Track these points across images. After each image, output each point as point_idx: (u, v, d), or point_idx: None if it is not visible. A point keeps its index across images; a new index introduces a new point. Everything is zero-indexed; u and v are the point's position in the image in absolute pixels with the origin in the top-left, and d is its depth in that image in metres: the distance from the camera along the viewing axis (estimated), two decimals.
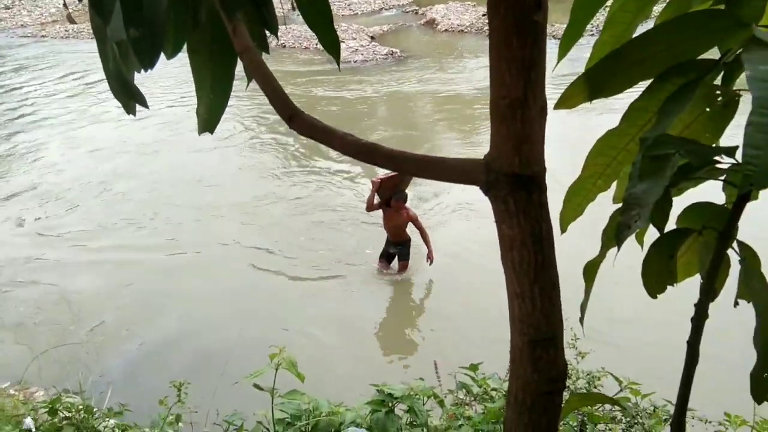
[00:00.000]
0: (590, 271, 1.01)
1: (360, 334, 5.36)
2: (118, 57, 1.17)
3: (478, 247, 6.30)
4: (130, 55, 1.17)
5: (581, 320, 1.03)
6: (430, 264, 5.99)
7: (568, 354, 2.86)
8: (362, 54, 16.27)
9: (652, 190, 0.81)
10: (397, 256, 6.32)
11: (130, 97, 1.22)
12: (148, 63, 1.06)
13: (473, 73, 13.99)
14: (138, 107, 1.28)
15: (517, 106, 0.75)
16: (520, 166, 0.77)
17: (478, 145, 9.74)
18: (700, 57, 0.89)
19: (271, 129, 10.82)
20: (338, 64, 1.39)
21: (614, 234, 0.84)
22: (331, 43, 1.29)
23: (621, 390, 2.31)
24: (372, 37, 18.49)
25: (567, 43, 1.14)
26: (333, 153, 8.66)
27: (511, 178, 0.77)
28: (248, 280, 6.22)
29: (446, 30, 19.34)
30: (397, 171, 1.01)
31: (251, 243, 6.93)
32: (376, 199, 6.04)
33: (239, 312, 5.59)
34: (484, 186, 0.81)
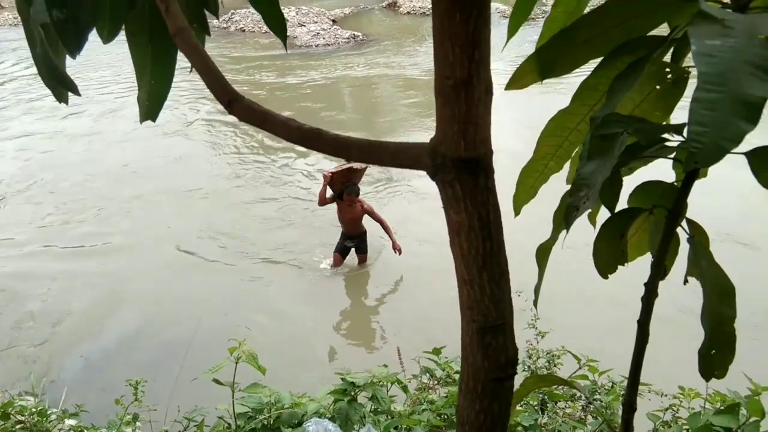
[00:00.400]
0: (542, 253, 1.00)
1: (321, 323, 5.30)
2: (45, 41, 1.09)
3: (436, 231, 6.28)
4: (58, 40, 1.09)
5: (535, 303, 1.02)
6: (399, 254, 5.82)
7: (529, 334, 2.90)
8: (324, 38, 16.02)
9: (600, 170, 0.79)
10: (354, 250, 6.17)
11: (59, 84, 1.14)
12: (74, 47, 0.99)
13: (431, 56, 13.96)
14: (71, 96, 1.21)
15: (462, 86, 0.72)
16: (465, 149, 0.74)
17: (430, 130, 9.71)
18: (650, 34, 0.88)
19: (213, 114, 10.53)
20: (285, 46, 1.34)
21: (563, 216, 0.83)
22: (277, 25, 1.24)
23: (580, 368, 2.35)
24: (333, 21, 18.22)
25: (515, 22, 1.12)
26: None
27: (457, 162, 0.74)
28: (199, 273, 6.06)
29: (408, 12, 19.23)
30: (342, 157, 0.97)
31: (199, 234, 6.75)
32: (329, 193, 5.85)
33: (192, 306, 5.43)
34: (430, 170, 0.78)
